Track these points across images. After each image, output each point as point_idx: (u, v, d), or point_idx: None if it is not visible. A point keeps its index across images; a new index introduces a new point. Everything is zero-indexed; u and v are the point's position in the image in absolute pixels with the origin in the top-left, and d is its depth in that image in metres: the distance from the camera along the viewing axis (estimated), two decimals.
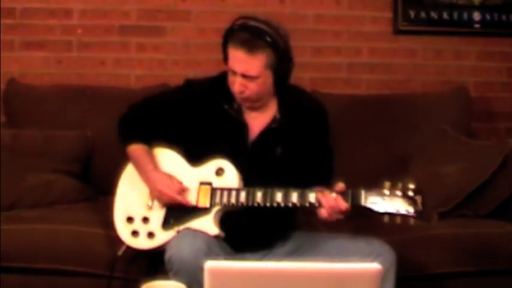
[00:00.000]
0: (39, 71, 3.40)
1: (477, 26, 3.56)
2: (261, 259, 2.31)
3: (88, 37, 3.42)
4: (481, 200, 2.79)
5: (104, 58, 3.43)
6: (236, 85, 2.26)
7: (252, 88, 2.26)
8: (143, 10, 3.44)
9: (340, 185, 2.17)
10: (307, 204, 2.21)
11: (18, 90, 3.20)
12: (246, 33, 2.21)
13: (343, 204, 2.15)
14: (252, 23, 2.22)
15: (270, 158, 2.33)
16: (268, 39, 2.21)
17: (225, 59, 2.29)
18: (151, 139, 2.41)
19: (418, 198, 2.13)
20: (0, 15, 3.34)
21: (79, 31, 3.42)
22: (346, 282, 1.55)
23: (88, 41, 3.42)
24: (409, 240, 2.58)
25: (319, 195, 2.18)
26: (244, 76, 2.23)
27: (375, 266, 1.57)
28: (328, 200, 2.16)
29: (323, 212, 2.18)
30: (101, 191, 2.90)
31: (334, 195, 2.16)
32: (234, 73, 2.25)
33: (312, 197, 2.20)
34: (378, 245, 2.23)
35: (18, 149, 2.89)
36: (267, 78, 2.27)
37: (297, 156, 2.33)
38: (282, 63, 2.25)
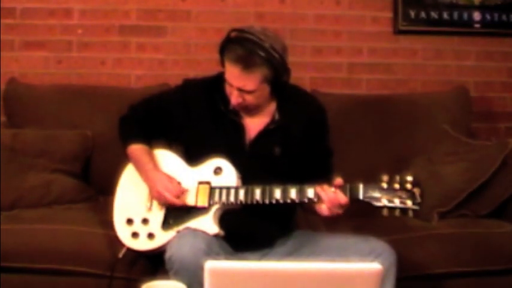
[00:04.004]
0: (39, 71, 3.40)
1: (477, 26, 3.56)
2: (260, 258, 2.31)
3: (88, 37, 3.42)
4: (481, 200, 2.79)
5: (104, 58, 3.43)
6: (233, 97, 2.26)
7: (249, 100, 2.27)
8: (143, 10, 3.44)
9: (338, 180, 2.18)
10: (305, 200, 2.21)
11: (18, 90, 3.20)
12: (241, 49, 2.19)
13: (343, 198, 2.16)
14: (247, 37, 2.20)
15: (269, 159, 2.33)
16: (263, 55, 2.19)
17: (222, 65, 2.28)
18: (151, 139, 2.42)
19: (417, 191, 2.14)
20: (0, 15, 3.34)
21: (79, 31, 3.42)
22: (346, 282, 1.55)
23: (88, 41, 3.42)
24: (409, 240, 2.58)
25: (318, 189, 2.19)
26: (240, 90, 2.24)
27: (375, 266, 1.57)
28: (327, 194, 2.17)
29: (323, 207, 2.18)
30: (101, 191, 2.90)
31: (333, 189, 2.17)
32: (231, 85, 2.25)
33: (310, 192, 2.20)
34: (378, 245, 2.22)
35: (18, 149, 2.89)
36: (264, 91, 2.28)
37: (295, 156, 2.34)
38: (278, 76, 2.25)
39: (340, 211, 2.18)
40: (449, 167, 2.85)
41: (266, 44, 2.20)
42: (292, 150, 2.34)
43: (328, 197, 2.16)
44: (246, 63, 2.19)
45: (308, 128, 2.37)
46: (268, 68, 2.21)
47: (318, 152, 2.38)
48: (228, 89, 2.28)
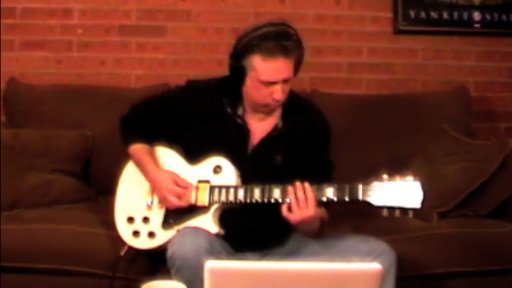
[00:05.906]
0: (39, 71, 3.40)
1: (477, 26, 3.56)
2: (260, 259, 2.31)
3: (88, 37, 3.42)
4: (481, 200, 2.79)
5: (104, 58, 3.44)
6: (280, 94, 2.23)
7: (287, 90, 2.26)
8: (143, 10, 3.44)
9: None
10: None
11: (18, 90, 3.20)
12: (278, 39, 2.18)
13: (311, 194, 2.13)
14: (273, 28, 2.20)
15: (269, 166, 2.32)
16: (295, 38, 2.21)
17: (242, 73, 2.24)
18: (153, 139, 2.42)
19: None
20: (0, 15, 3.34)
21: (79, 31, 3.42)
22: (346, 282, 1.55)
23: (88, 41, 3.42)
24: (408, 240, 2.58)
25: (291, 187, 2.16)
26: (284, 81, 2.23)
27: (375, 266, 1.56)
28: (297, 190, 2.14)
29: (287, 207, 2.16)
30: (101, 191, 2.90)
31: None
32: (272, 83, 2.22)
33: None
34: (378, 245, 2.22)
35: (18, 149, 2.89)
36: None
37: (296, 166, 2.32)
38: (300, 57, 2.26)
39: (306, 214, 2.14)
40: (449, 167, 2.85)
41: (290, 27, 2.21)
42: (294, 158, 2.33)
43: (296, 193, 2.14)
44: (287, 51, 2.18)
45: (310, 137, 2.35)
46: (299, 48, 2.22)
47: (318, 163, 2.35)
48: (263, 91, 2.24)
